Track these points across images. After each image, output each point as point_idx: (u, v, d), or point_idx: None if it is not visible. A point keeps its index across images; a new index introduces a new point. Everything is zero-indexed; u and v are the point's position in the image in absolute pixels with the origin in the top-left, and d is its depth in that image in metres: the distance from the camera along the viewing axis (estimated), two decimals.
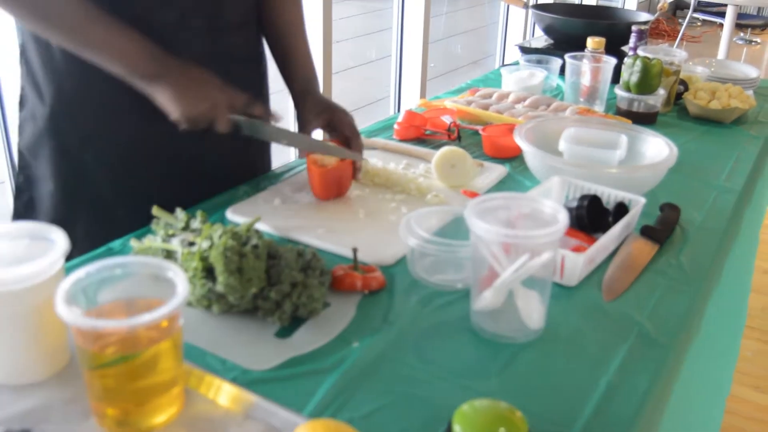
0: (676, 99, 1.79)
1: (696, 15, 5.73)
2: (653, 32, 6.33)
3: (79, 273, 0.66)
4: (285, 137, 1.17)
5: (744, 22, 6.02)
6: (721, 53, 4.57)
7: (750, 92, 1.81)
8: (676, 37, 5.60)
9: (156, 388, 0.66)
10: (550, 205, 0.84)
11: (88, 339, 0.63)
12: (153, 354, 0.65)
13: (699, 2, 5.30)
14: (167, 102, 1.03)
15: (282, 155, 1.92)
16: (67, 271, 0.74)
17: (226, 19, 1.15)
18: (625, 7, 5.87)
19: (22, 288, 0.67)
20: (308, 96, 1.24)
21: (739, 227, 1.21)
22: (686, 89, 1.79)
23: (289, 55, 1.26)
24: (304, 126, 1.23)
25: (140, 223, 1.02)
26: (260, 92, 1.31)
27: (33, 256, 0.69)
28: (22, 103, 1.14)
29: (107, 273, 0.67)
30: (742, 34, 7.01)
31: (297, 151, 1.31)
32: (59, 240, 0.71)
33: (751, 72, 1.98)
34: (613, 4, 6.52)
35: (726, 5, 4.54)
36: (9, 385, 0.70)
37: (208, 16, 1.12)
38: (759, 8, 6.52)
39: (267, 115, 1.12)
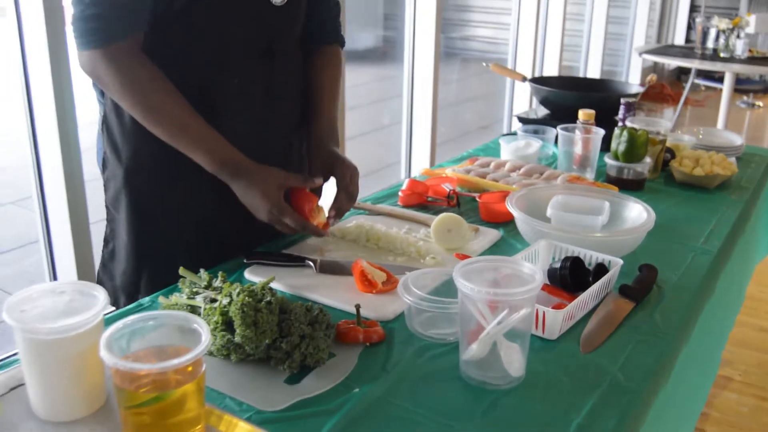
0: (664, 166, 1.90)
1: (698, 81, 5.90)
2: (657, 97, 6.52)
3: (118, 324, 0.78)
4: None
5: (746, 87, 6.18)
6: (721, 118, 4.71)
7: (733, 159, 1.92)
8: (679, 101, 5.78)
9: (182, 425, 0.77)
10: (529, 266, 0.95)
11: (125, 380, 0.74)
12: (180, 395, 0.76)
13: (699, 69, 5.48)
14: (244, 200, 1.20)
15: None
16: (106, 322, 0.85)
17: (278, 86, 1.30)
18: (628, 80, 6.09)
19: (69, 336, 0.79)
20: (320, 149, 1.34)
21: (713, 286, 1.31)
22: (673, 157, 1.90)
23: (313, 114, 1.38)
24: (312, 174, 1.33)
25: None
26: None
27: (76, 309, 0.80)
28: (104, 165, 1.29)
29: (141, 324, 0.79)
30: (744, 98, 7.19)
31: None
32: (100, 295, 0.83)
33: (736, 140, 2.10)
34: (617, 72, 6.75)
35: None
36: (54, 422, 0.81)
37: (263, 84, 1.27)
38: (760, 75, 6.69)
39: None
